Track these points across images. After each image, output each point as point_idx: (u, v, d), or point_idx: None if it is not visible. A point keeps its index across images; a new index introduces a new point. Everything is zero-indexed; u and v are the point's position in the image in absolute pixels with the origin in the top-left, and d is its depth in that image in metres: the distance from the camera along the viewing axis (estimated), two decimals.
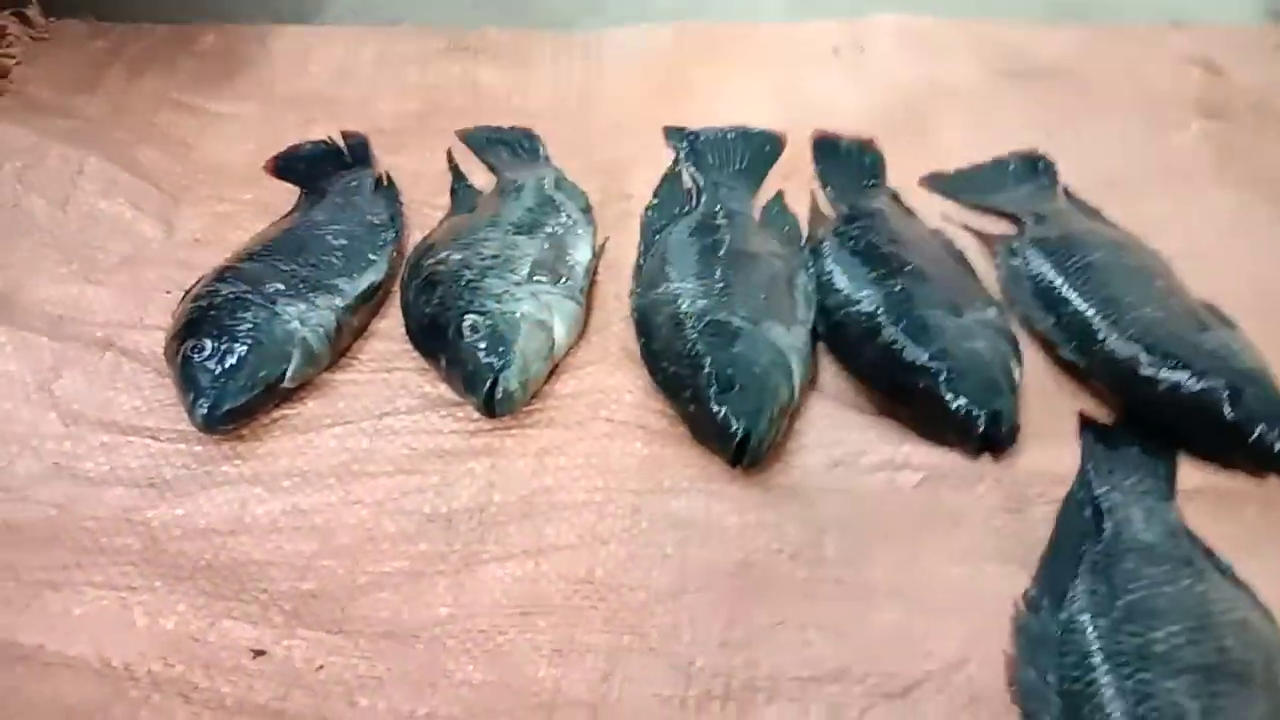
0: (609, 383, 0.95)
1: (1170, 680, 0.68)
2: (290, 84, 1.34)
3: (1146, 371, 0.90)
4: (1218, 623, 0.72)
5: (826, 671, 0.73)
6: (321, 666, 0.75)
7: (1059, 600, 0.77)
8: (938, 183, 1.21)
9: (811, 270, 1.05)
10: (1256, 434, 0.84)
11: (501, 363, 0.90)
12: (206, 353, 0.90)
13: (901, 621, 0.76)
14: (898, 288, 0.97)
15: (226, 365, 0.90)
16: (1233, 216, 1.14)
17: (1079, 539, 0.81)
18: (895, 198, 1.17)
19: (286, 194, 1.19)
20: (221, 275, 0.99)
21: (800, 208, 1.17)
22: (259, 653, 0.75)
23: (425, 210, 1.17)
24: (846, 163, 1.23)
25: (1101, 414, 0.93)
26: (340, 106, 1.31)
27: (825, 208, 1.17)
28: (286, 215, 1.14)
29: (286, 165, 1.22)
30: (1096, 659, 0.71)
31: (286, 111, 1.30)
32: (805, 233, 1.13)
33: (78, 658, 0.74)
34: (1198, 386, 0.87)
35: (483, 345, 0.91)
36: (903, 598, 0.78)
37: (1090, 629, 0.74)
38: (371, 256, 1.05)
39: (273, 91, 1.33)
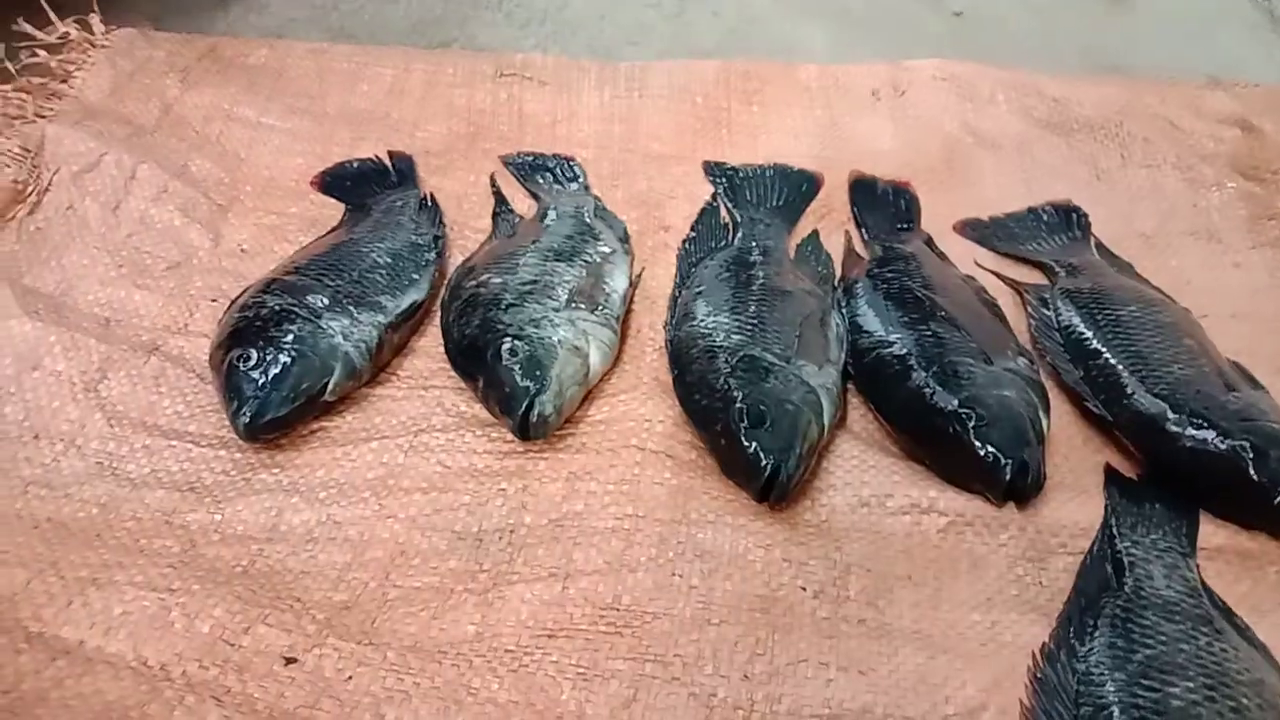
0: (640, 411, 0.97)
1: None
2: (340, 101, 1.37)
3: (1172, 429, 0.91)
4: (1234, 682, 0.73)
5: (846, 711, 0.74)
6: (351, 677, 0.77)
7: (1077, 652, 0.77)
8: (972, 229, 1.23)
9: (844, 310, 1.07)
10: None
11: (537, 387, 0.92)
12: (251, 362, 0.92)
13: (922, 665, 0.77)
14: (929, 333, 0.98)
15: (270, 376, 0.92)
16: (1265, 278, 1.16)
17: (1099, 592, 0.82)
18: (929, 242, 1.19)
19: (332, 209, 1.21)
20: (268, 287, 1.01)
21: (834, 247, 1.19)
22: (291, 660, 0.77)
23: (467, 232, 1.20)
24: (882, 205, 1.25)
25: (1127, 468, 0.94)
26: (389, 126, 1.34)
27: (859, 248, 1.19)
28: (331, 231, 1.17)
29: (333, 181, 1.25)
30: (1113, 712, 0.72)
31: (335, 128, 1.33)
32: (838, 272, 1.15)
33: (117, 655, 0.76)
34: (1223, 446, 0.88)
35: (519, 369, 0.93)
36: (924, 641, 0.79)
37: (1107, 682, 0.74)
38: (414, 275, 1.07)
39: (323, 108, 1.36)
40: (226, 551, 0.85)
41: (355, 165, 1.27)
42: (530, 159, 1.30)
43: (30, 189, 1.14)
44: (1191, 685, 0.72)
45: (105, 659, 0.75)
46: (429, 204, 1.20)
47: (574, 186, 1.26)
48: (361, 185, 1.24)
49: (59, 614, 0.78)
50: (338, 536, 0.87)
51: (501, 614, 0.81)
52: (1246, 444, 0.87)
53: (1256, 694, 0.72)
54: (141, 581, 0.81)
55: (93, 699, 0.73)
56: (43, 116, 1.22)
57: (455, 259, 1.14)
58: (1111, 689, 0.74)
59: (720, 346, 0.96)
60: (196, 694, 0.74)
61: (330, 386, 0.94)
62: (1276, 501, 0.85)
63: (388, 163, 1.28)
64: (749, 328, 0.98)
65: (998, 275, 1.16)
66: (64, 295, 1.06)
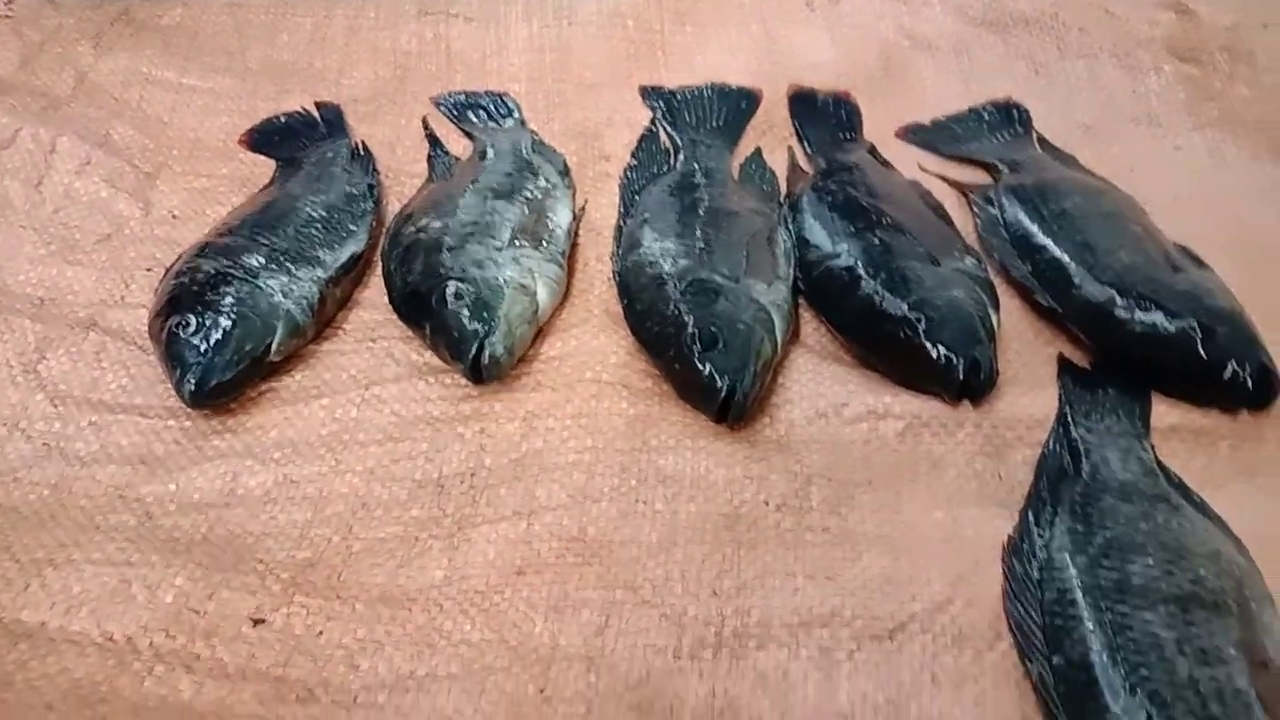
0: (594, 345, 0.96)
1: (1147, 612, 0.70)
2: (261, 55, 1.33)
3: (1121, 314, 0.92)
4: (1192, 554, 0.74)
5: (815, 616, 0.75)
6: (321, 632, 0.76)
7: (1040, 540, 0.78)
8: (914, 134, 1.22)
9: (791, 226, 1.06)
10: (1229, 372, 0.86)
11: (486, 329, 0.90)
12: (191, 328, 0.90)
13: (887, 566, 0.78)
14: (875, 241, 0.98)
15: (211, 340, 0.90)
16: (1206, 159, 1.16)
17: (1058, 480, 0.83)
18: (872, 150, 1.18)
19: (263, 167, 1.18)
20: (202, 251, 0.98)
21: (778, 163, 1.17)
22: (259, 621, 0.76)
23: (403, 178, 1.17)
24: (823, 117, 1.24)
25: (1079, 358, 0.94)
26: (313, 76, 1.31)
27: (803, 162, 1.18)
28: (264, 189, 1.14)
29: (261, 138, 1.22)
30: (1076, 594, 0.73)
31: (259, 83, 1.29)
32: (783, 188, 1.14)
33: (81, 633, 0.74)
34: (1171, 327, 0.89)
35: (466, 312, 0.91)
36: (887, 543, 0.80)
37: (1069, 566, 0.75)
38: (351, 227, 1.05)
39: (244, 63, 1.32)
40: (184, 520, 0.84)
41: (282, 120, 1.24)
42: (462, 98, 1.27)
43: None
44: (1151, 561, 0.73)
45: (69, 638, 0.74)
46: (361, 153, 1.17)
47: (509, 122, 1.24)
48: (290, 140, 1.21)
49: (17, 598, 0.76)
50: (296, 495, 0.86)
51: (468, 557, 0.81)
52: (1194, 323, 0.88)
53: (1214, 563, 0.73)
54: (99, 558, 0.79)
55: (59, 678, 0.71)
56: None
57: (393, 207, 1.12)
58: (1073, 573, 0.75)
59: (668, 273, 0.95)
60: (165, 663, 0.73)
61: (274, 346, 0.93)
62: (1225, 377, 0.86)
63: (315, 114, 1.24)
64: (696, 251, 0.97)
65: (942, 178, 1.15)
66: None
